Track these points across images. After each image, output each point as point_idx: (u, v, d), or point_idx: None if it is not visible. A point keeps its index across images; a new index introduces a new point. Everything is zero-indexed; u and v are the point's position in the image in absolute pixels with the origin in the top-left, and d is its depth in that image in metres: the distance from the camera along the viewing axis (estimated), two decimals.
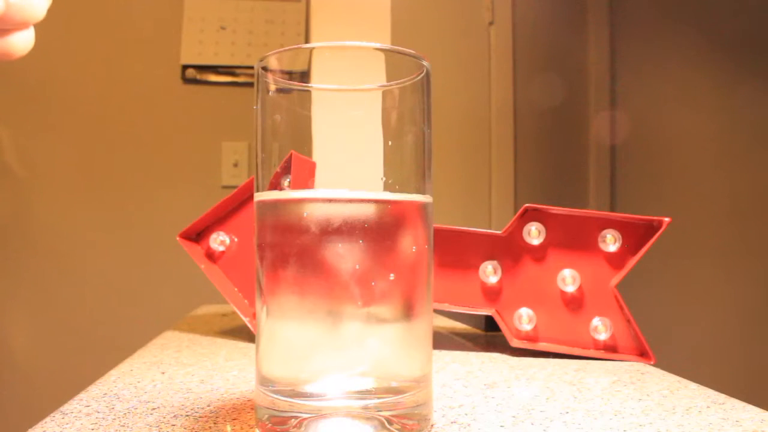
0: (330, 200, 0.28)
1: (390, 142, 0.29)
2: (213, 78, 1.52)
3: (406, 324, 0.29)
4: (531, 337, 0.50)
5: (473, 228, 0.52)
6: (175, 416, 0.33)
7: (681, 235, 1.76)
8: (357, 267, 0.27)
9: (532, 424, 0.32)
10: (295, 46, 0.29)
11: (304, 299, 0.28)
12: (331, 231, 0.27)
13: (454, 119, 1.66)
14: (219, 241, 0.56)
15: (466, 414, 0.33)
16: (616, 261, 0.49)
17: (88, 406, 0.34)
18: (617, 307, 0.49)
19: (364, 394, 0.28)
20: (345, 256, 0.27)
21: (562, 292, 0.50)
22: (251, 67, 1.49)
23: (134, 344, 0.54)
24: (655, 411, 0.34)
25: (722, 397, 0.37)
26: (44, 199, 1.47)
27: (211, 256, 0.56)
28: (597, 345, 0.49)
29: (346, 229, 0.27)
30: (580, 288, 0.50)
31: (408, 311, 0.29)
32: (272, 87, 0.30)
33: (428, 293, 0.30)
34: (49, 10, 0.26)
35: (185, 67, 1.51)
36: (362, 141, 0.30)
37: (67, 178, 1.48)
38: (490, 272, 0.51)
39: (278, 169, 0.30)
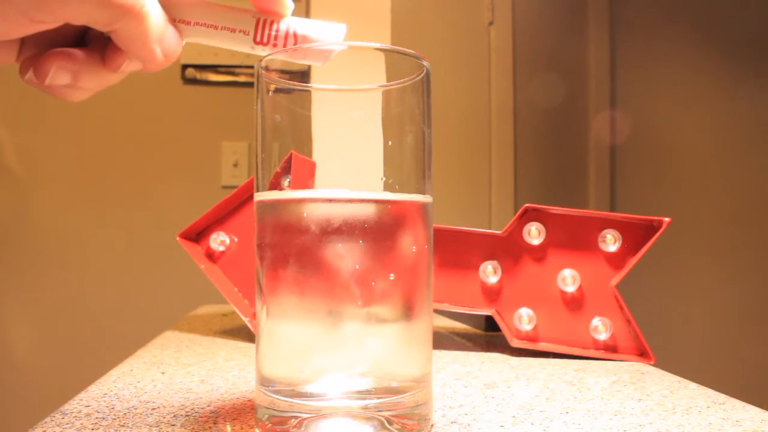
0: (330, 200, 0.28)
1: (390, 142, 0.29)
2: (213, 78, 1.52)
3: (406, 324, 0.29)
4: (531, 337, 0.50)
5: (473, 228, 0.52)
6: (175, 416, 0.33)
7: (681, 235, 1.76)
8: (357, 267, 0.27)
9: (532, 424, 0.31)
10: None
11: (304, 299, 0.28)
12: (331, 231, 0.27)
13: (454, 119, 1.66)
14: (219, 241, 0.56)
15: (466, 414, 0.33)
16: (616, 261, 0.49)
17: (88, 406, 0.34)
18: (617, 307, 0.49)
19: (364, 394, 0.28)
20: (345, 256, 0.27)
21: (562, 292, 0.50)
22: (251, 67, 1.49)
23: (134, 344, 0.54)
24: (655, 411, 0.34)
25: (722, 397, 0.37)
26: (44, 198, 1.47)
27: (211, 256, 0.56)
28: (597, 345, 0.49)
29: (346, 229, 0.27)
30: (580, 288, 0.50)
31: (408, 311, 0.29)
32: (272, 87, 0.30)
33: (428, 293, 0.30)
34: None
35: (185, 67, 1.51)
36: (362, 141, 0.30)
37: (67, 178, 1.48)
38: (490, 272, 0.51)
39: (278, 169, 0.30)
